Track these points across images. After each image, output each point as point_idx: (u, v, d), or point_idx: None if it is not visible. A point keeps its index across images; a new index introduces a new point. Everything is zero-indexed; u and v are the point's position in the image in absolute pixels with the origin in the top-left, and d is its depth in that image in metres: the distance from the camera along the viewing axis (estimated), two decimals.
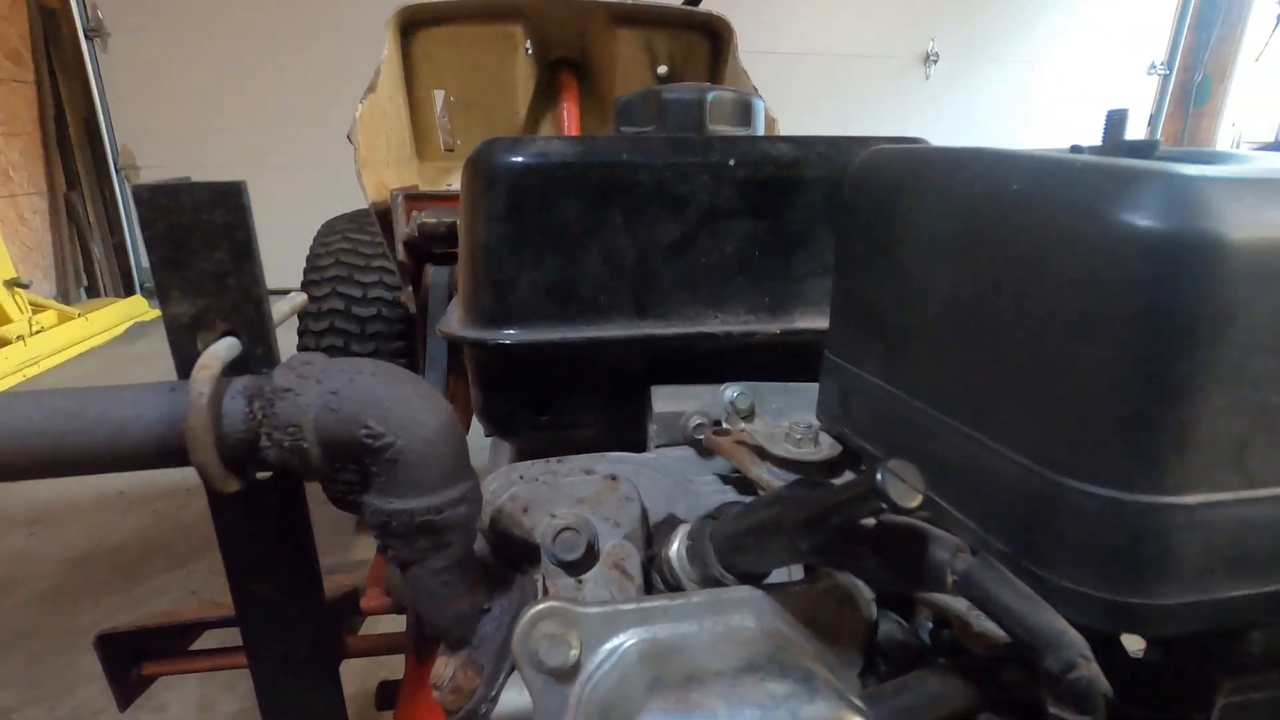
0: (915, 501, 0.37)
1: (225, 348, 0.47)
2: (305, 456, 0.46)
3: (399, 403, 0.47)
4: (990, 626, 0.46)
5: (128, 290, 5.34)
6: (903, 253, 0.50)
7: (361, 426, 0.46)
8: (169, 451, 0.44)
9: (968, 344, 0.44)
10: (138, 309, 4.91)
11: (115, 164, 5.28)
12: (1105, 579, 0.36)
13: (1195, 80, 6.86)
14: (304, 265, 2.21)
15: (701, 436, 0.72)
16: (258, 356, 0.50)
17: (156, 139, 5.30)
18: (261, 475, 0.55)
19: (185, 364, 0.49)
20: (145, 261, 5.52)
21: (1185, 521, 0.35)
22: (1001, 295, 0.41)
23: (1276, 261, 0.33)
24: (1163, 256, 0.33)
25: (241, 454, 0.46)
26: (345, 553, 2.62)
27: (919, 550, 0.40)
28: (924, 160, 0.50)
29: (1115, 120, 0.48)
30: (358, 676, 1.96)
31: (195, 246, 0.46)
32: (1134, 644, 0.52)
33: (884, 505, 0.37)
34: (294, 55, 5.28)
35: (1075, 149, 0.49)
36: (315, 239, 2.26)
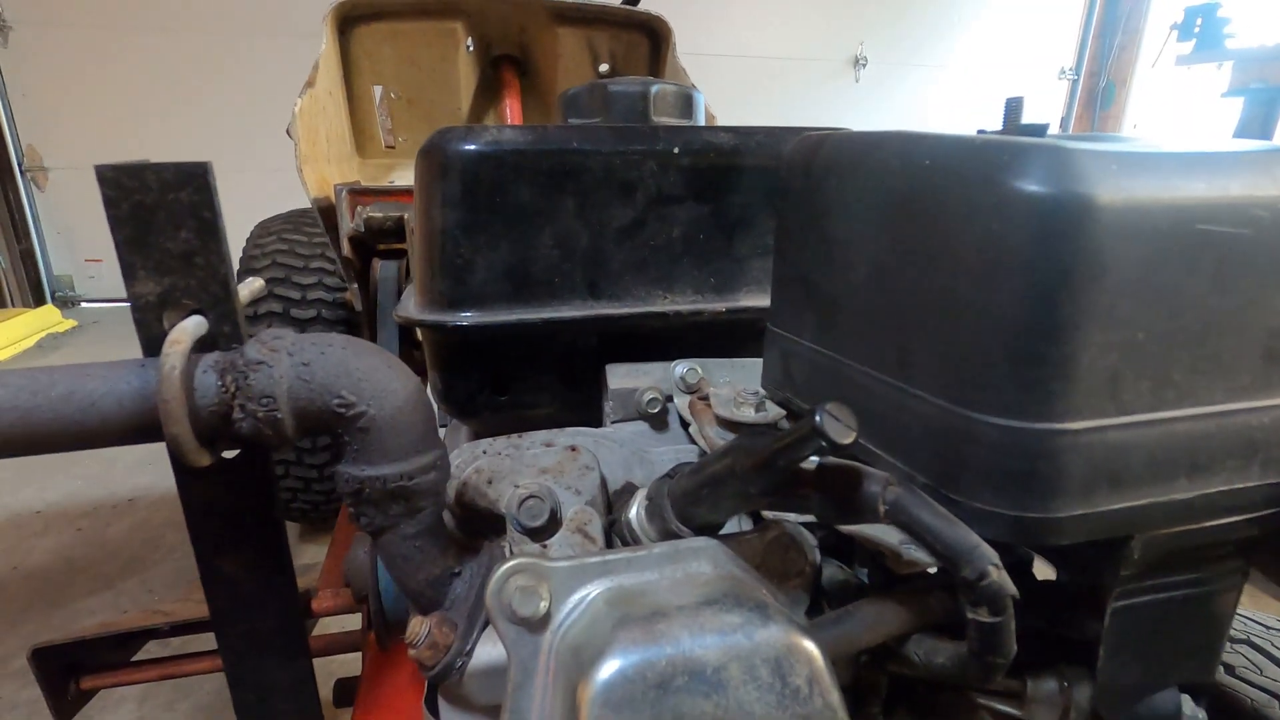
0: (850, 438, 0.42)
1: (194, 325, 0.48)
2: (279, 427, 0.47)
3: (369, 373, 0.49)
4: (919, 555, 0.51)
5: (38, 300, 5.02)
6: (832, 227, 0.56)
7: (334, 396, 0.48)
8: (141, 426, 0.45)
9: (889, 304, 0.49)
10: (50, 320, 4.62)
11: (20, 165, 4.95)
12: (1009, 499, 0.42)
13: (1100, 85, 7.37)
14: (236, 268, 2.15)
15: (655, 410, 0.76)
16: (224, 335, 0.51)
17: (66, 139, 4.99)
18: (228, 453, 0.56)
19: (152, 343, 0.49)
20: (56, 269, 5.21)
21: (1070, 445, 0.41)
22: (916, 257, 0.46)
23: (1136, 219, 0.39)
24: (1045, 215, 0.38)
25: (214, 426, 0.47)
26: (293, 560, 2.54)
27: (854, 485, 0.45)
28: (847, 143, 0.55)
29: (1013, 106, 0.54)
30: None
31: (161, 226, 0.47)
32: (1045, 573, 0.58)
33: (823, 443, 0.42)
34: (214, 50, 5.06)
35: (981, 132, 0.55)
36: (249, 240, 2.20)
